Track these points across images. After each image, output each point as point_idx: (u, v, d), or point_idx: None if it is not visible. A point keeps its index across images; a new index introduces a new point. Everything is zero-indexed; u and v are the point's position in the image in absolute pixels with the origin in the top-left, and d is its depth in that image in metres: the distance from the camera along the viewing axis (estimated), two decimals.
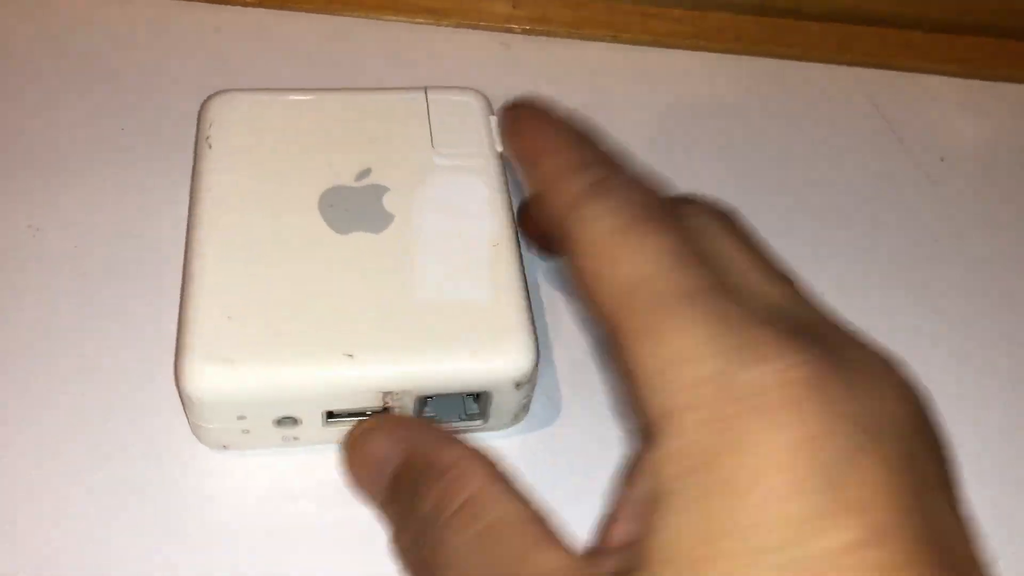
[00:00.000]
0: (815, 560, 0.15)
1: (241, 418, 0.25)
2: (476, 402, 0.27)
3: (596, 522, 0.21)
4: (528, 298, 0.27)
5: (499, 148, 0.31)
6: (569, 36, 0.41)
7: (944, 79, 0.42)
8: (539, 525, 0.19)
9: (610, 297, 0.19)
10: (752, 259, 0.20)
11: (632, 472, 0.20)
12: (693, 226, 0.20)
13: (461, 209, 0.29)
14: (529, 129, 0.24)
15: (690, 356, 0.17)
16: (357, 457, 0.24)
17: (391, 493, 0.22)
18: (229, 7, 0.40)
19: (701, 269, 0.19)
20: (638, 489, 0.19)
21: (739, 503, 0.16)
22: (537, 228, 0.29)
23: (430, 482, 0.21)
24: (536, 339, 0.26)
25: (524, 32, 0.41)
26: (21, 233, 0.31)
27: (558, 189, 0.21)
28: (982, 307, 0.34)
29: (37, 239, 0.31)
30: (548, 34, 0.41)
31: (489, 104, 0.32)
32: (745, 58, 0.41)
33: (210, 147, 0.30)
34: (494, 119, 0.32)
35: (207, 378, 0.24)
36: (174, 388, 0.27)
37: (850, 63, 0.42)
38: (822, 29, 0.42)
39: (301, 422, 0.26)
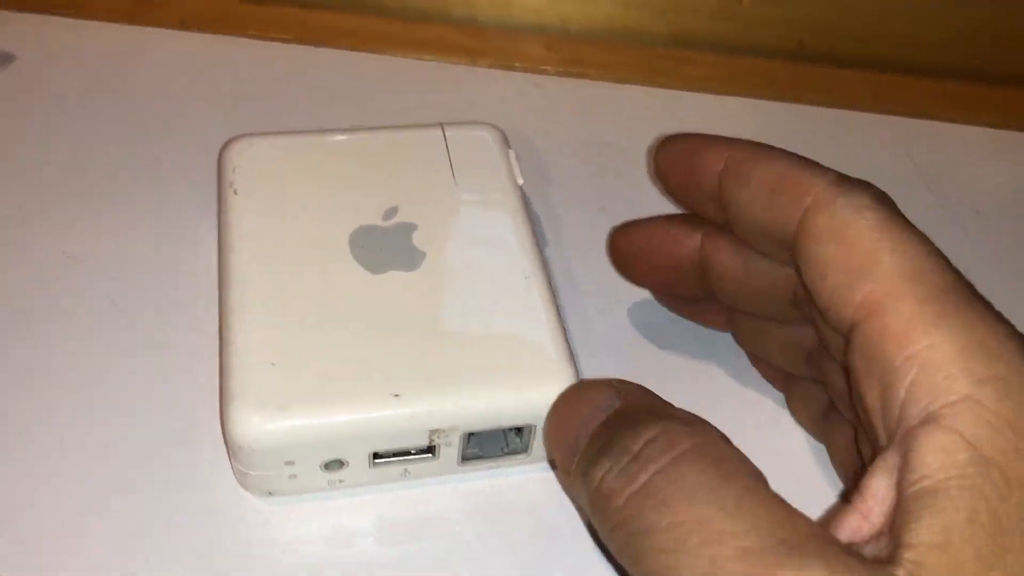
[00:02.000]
0: None
1: (289, 463, 0.25)
2: (518, 435, 0.27)
3: (827, 512, 0.21)
4: (564, 329, 0.27)
5: (520, 181, 0.31)
6: (603, 79, 0.41)
7: (980, 129, 0.42)
8: (779, 496, 0.19)
9: (879, 285, 0.19)
10: None
11: (883, 464, 0.19)
12: None
13: (490, 243, 0.29)
14: (711, 143, 0.25)
15: (982, 350, 0.17)
16: (570, 406, 0.23)
17: (604, 431, 0.21)
18: (268, 43, 0.41)
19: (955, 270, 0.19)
20: (891, 482, 0.18)
21: None
22: (644, 254, 0.30)
23: (656, 421, 0.20)
24: (577, 370, 0.27)
25: (558, 74, 0.41)
26: (58, 263, 0.31)
27: (796, 186, 0.22)
28: None
29: (74, 269, 0.31)
30: (582, 76, 0.41)
31: (505, 138, 0.33)
32: (779, 104, 0.41)
33: (235, 192, 0.30)
34: (512, 152, 0.32)
35: (256, 426, 0.24)
36: (212, 425, 0.28)
37: (884, 112, 0.42)
38: (857, 77, 0.43)
39: (348, 464, 0.26)
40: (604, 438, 0.21)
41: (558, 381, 0.26)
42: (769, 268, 0.26)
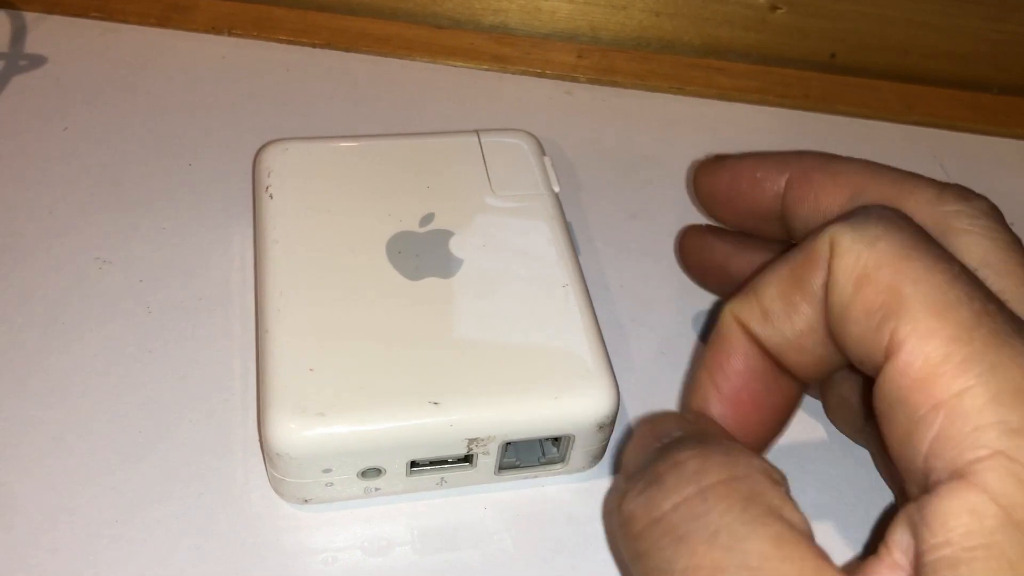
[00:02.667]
0: None
1: (327, 471, 0.25)
2: (555, 445, 0.27)
3: (850, 563, 0.20)
4: (602, 338, 0.27)
5: (556, 188, 0.31)
6: (634, 87, 0.41)
7: (1012, 142, 0.41)
8: (812, 541, 0.17)
9: (903, 323, 0.17)
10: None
11: (907, 516, 0.17)
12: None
13: (527, 250, 0.29)
14: (764, 162, 0.24)
15: (1016, 396, 0.16)
16: (638, 433, 0.22)
17: (654, 455, 0.20)
18: (299, 47, 0.41)
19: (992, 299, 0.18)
20: (913, 539, 0.17)
21: None
22: (713, 257, 0.29)
23: (692, 446, 0.19)
24: (615, 380, 0.26)
25: (589, 81, 0.41)
26: (89, 265, 0.31)
27: (913, 199, 0.21)
28: None
29: (105, 271, 0.31)
30: (613, 84, 0.41)
31: (540, 145, 0.33)
32: (811, 114, 0.41)
33: (271, 197, 0.29)
34: (548, 159, 0.32)
35: (294, 433, 0.24)
36: (247, 432, 0.27)
37: (917, 123, 0.41)
38: (890, 88, 0.42)
39: (385, 472, 0.26)
40: (645, 461, 0.20)
41: (597, 391, 0.26)
42: None
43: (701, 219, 0.35)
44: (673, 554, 0.18)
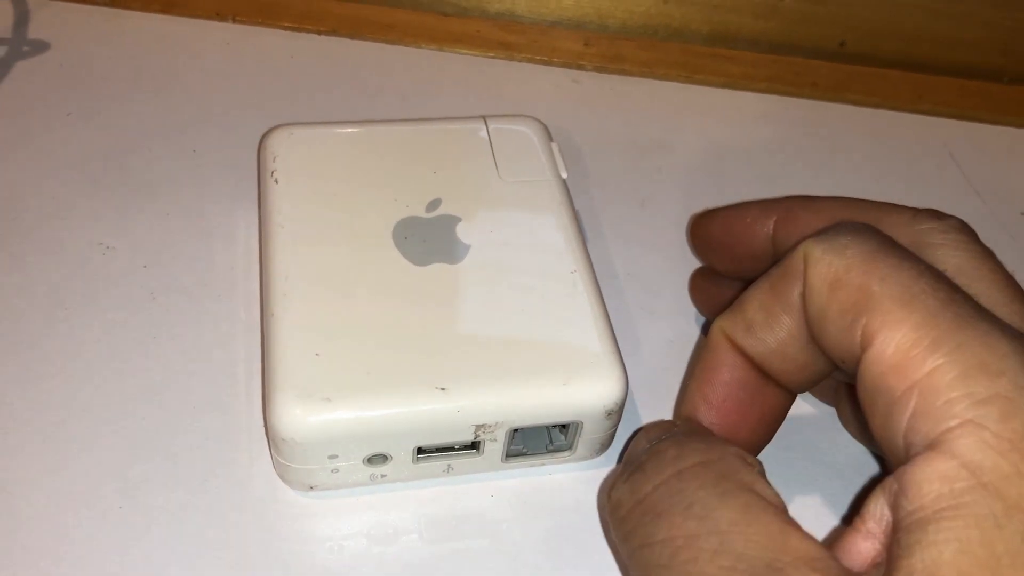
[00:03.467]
0: None
1: (333, 457, 0.25)
2: (562, 432, 0.27)
3: (831, 535, 0.20)
4: (611, 325, 0.27)
5: (564, 174, 0.31)
6: (642, 75, 0.41)
7: (1023, 132, 0.41)
8: (783, 512, 0.19)
9: (874, 316, 0.19)
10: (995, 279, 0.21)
11: (883, 488, 0.18)
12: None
13: (534, 236, 0.29)
14: (755, 208, 0.26)
15: (982, 370, 0.17)
16: (638, 436, 0.24)
17: (641, 452, 0.22)
18: (304, 34, 0.40)
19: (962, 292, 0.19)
20: (889, 507, 0.18)
21: None
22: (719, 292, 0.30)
23: (670, 437, 0.21)
24: (623, 367, 0.26)
25: (596, 69, 0.41)
26: (93, 250, 0.31)
27: (889, 220, 0.22)
28: None
29: (108, 256, 0.31)
30: (620, 72, 0.41)
31: (548, 131, 0.32)
32: (820, 103, 0.41)
33: (276, 182, 0.29)
34: (556, 145, 0.32)
35: (300, 418, 0.24)
36: (250, 418, 0.27)
37: (927, 112, 0.41)
38: (900, 77, 0.42)
39: (391, 459, 0.25)
40: (634, 458, 0.22)
41: (605, 377, 0.25)
42: None
43: (708, 206, 0.35)
44: (654, 528, 0.19)
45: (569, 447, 0.27)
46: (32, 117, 0.35)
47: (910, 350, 0.18)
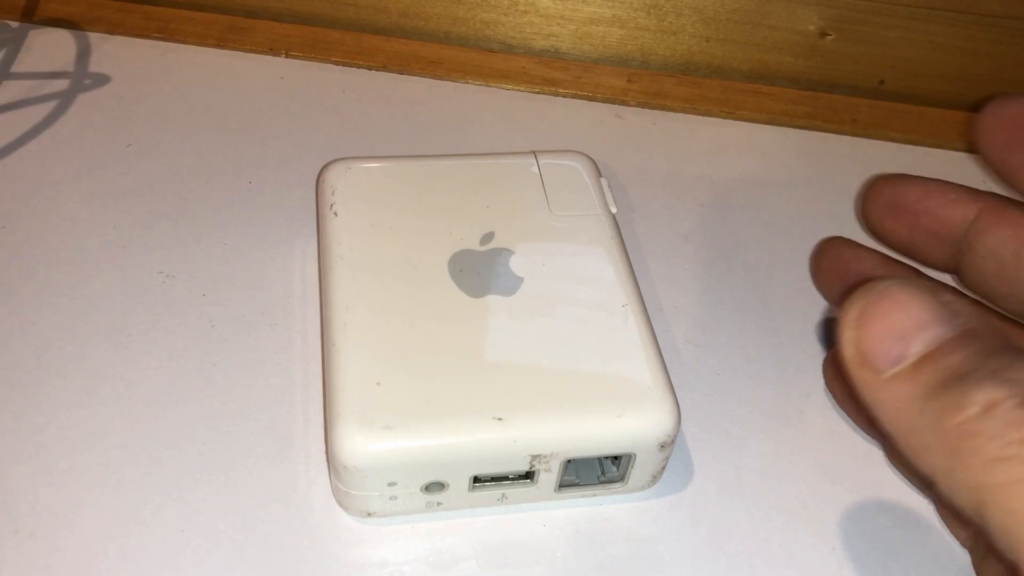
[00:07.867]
0: None
1: (391, 484, 0.25)
2: (615, 464, 0.27)
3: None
4: (662, 358, 0.27)
5: (613, 209, 0.32)
6: (684, 111, 0.42)
7: None
8: None
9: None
10: None
11: None
12: None
13: (585, 270, 0.29)
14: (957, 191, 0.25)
15: None
16: (893, 302, 0.18)
17: (967, 346, 0.17)
18: (355, 69, 0.41)
19: None
20: None
21: None
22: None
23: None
24: (676, 400, 0.26)
25: (639, 105, 0.42)
26: (153, 279, 0.32)
27: None
28: None
29: (167, 285, 0.32)
30: (662, 108, 0.42)
31: (596, 167, 0.33)
32: (860, 140, 0.42)
33: (336, 214, 0.30)
34: (605, 180, 0.32)
35: (361, 445, 0.24)
36: (309, 444, 0.28)
37: (969, 151, 0.41)
38: (939, 115, 0.43)
39: (448, 487, 0.26)
40: (978, 357, 0.17)
41: (658, 410, 0.26)
42: None
43: (753, 248, 0.35)
44: None
45: (621, 478, 0.27)
46: (94, 148, 0.36)
47: None
